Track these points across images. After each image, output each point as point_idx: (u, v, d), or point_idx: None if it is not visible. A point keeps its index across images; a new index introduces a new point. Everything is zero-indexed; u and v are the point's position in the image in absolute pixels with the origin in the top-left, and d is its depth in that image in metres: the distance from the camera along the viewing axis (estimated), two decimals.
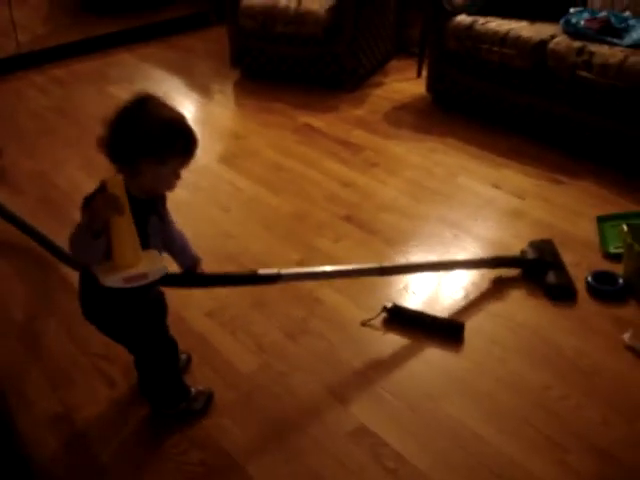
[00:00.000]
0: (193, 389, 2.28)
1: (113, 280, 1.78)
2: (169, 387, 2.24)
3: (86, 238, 1.71)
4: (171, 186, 1.88)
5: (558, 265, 2.87)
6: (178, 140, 1.81)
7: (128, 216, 1.74)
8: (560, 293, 2.76)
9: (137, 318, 2.04)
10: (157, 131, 1.77)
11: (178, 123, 1.83)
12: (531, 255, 2.90)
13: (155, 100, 1.84)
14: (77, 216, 1.80)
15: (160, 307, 2.13)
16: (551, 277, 2.80)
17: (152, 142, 1.77)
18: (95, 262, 1.80)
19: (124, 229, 1.76)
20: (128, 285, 1.80)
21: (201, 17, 6.28)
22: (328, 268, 2.56)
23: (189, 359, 2.45)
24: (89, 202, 1.76)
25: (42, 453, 2.17)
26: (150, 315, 2.09)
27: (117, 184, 1.71)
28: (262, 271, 2.37)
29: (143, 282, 1.83)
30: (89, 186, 1.83)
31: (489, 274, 2.87)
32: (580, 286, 2.80)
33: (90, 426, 2.27)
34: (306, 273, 2.57)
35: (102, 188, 1.73)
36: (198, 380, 2.37)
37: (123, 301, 1.96)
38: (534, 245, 2.97)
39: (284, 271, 2.39)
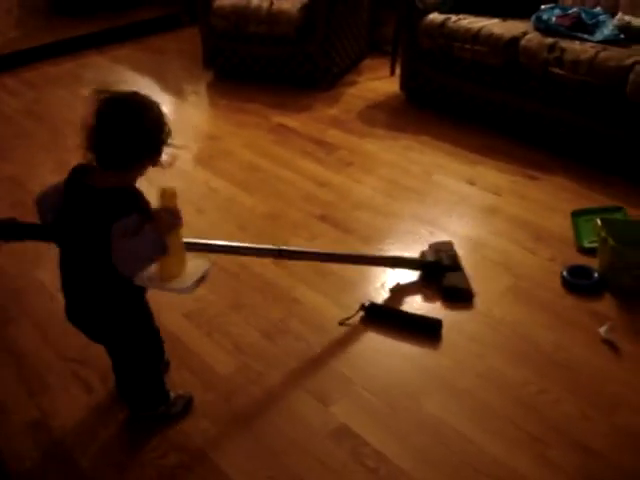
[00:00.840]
0: (172, 393, 2.26)
1: (189, 287, 1.83)
2: (150, 388, 2.22)
3: (159, 252, 1.77)
4: None
5: (456, 267, 2.88)
6: (168, 133, 1.84)
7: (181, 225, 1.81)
8: (456, 295, 2.77)
9: (133, 314, 2.03)
10: (155, 131, 1.80)
11: (162, 115, 1.84)
12: (430, 257, 2.91)
13: (134, 97, 1.83)
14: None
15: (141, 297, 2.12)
16: (448, 279, 2.81)
17: (154, 143, 1.81)
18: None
19: (178, 239, 1.81)
20: (196, 288, 1.86)
21: (173, 18, 6.25)
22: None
23: (167, 363, 2.44)
24: (134, 208, 1.78)
25: (21, 460, 2.14)
26: (144, 310, 2.09)
27: (172, 195, 1.77)
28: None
29: (203, 282, 1.89)
30: None
31: (468, 271, 2.88)
32: (556, 281, 2.82)
33: (68, 432, 2.25)
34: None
35: (139, 202, 1.80)
36: (176, 382, 2.35)
37: (122, 299, 1.96)
38: (433, 247, 2.99)
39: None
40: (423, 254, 2.96)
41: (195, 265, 1.89)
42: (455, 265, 2.88)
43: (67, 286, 1.99)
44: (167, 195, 1.78)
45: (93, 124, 1.76)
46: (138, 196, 1.84)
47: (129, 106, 1.79)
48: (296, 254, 2.74)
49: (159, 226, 1.75)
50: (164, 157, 1.85)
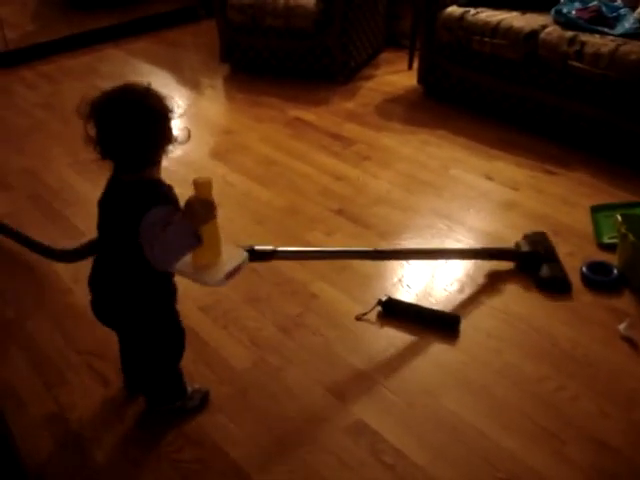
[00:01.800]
0: (189, 388, 2.26)
1: (219, 279, 1.81)
2: (169, 383, 2.21)
3: (192, 243, 1.75)
4: None
5: (552, 258, 2.85)
6: (171, 111, 1.82)
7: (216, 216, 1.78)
8: (554, 286, 2.75)
9: (162, 309, 2.04)
10: (167, 120, 1.78)
11: (167, 101, 1.82)
12: (525, 248, 2.89)
13: (136, 89, 1.81)
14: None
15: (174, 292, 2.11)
16: (545, 270, 2.79)
17: (168, 133, 1.79)
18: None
19: (215, 229, 1.79)
20: (229, 281, 1.83)
21: (190, 11, 6.24)
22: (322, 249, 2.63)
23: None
24: (163, 199, 1.78)
25: (37, 453, 2.15)
26: (173, 306, 2.09)
27: (207, 186, 1.74)
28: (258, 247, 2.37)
29: (237, 274, 1.85)
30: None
31: (484, 266, 2.86)
32: (575, 277, 2.79)
33: (85, 425, 2.25)
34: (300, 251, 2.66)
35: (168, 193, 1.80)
36: (192, 376, 2.34)
37: (154, 293, 1.97)
38: (528, 238, 2.96)
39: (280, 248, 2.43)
40: (518, 245, 2.92)
41: (230, 257, 1.87)
42: (551, 255, 2.86)
43: (97, 280, 1.98)
44: (200, 186, 1.74)
45: (97, 134, 1.76)
46: (166, 187, 1.84)
47: (126, 105, 1.76)
48: (392, 254, 2.83)
49: (192, 217, 1.73)
50: (178, 134, 1.84)
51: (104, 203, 1.88)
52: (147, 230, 1.71)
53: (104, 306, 2.01)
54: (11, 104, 4.73)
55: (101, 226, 1.91)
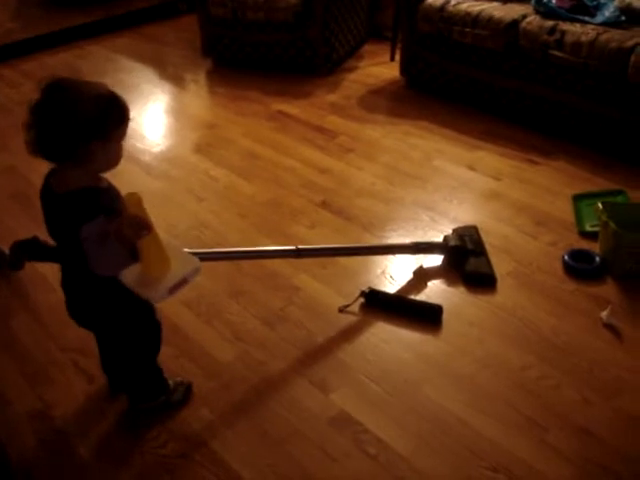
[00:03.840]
0: (171, 381, 2.26)
1: (160, 294, 1.74)
2: (149, 380, 2.21)
3: (125, 262, 1.71)
4: (120, 157, 1.81)
5: (480, 252, 2.86)
6: (114, 111, 1.73)
7: (154, 229, 1.70)
8: (479, 280, 2.76)
9: (131, 308, 1.99)
10: (93, 110, 1.68)
11: (105, 94, 1.73)
12: (453, 242, 2.88)
13: (67, 81, 1.74)
14: None
15: None
16: (471, 264, 2.79)
17: (93, 124, 1.68)
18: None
19: (154, 243, 1.73)
20: (172, 294, 1.76)
21: (171, 6, 6.24)
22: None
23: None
24: (94, 211, 1.70)
25: (22, 450, 2.15)
26: (143, 304, 2.02)
27: (136, 201, 1.66)
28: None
29: (184, 287, 1.78)
30: None
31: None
32: (557, 265, 2.81)
33: (69, 422, 2.25)
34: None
35: (103, 202, 1.73)
36: (176, 371, 2.35)
37: (118, 294, 1.89)
38: (457, 231, 2.97)
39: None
40: (446, 238, 2.92)
41: (181, 266, 1.79)
42: (478, 250, 2.86)
43: (66, 284, 1.98)
44: (131, 202, 1.66)
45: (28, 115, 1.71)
46: (100, 195, 1.77)
47: (58, 90, 1.70)
48: (314, 251, 2.76)
49: (120, 239, 1.67)
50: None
51: (44, 207, 1.83)
52: (85, 245, 1.68)
53: (76, 307, 2.00)
54: None
55: (49, 229, 1.86)
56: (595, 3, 3.65)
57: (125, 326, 2.02)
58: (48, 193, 1.79)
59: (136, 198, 1.66)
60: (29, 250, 2.04)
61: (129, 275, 1.75)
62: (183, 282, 1.77)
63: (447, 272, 2.82)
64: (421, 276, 2.81)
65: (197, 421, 2.21)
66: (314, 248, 2.79)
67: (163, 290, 1.74)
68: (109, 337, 2.10)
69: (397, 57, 4.67)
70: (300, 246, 2.59)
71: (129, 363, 2.17)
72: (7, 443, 2.02)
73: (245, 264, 2.87)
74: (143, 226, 1.65)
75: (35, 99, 1.70)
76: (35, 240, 2.03)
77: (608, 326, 2.50)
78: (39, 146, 1.72)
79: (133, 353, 2.13)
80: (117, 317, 1.98)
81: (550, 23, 3.55)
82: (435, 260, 2.88)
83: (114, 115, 1.72)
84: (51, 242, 1.94)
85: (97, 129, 1.69)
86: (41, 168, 1.86)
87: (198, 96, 4.78)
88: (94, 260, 1.69)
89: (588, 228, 2.99)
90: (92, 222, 1.68)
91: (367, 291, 2.66)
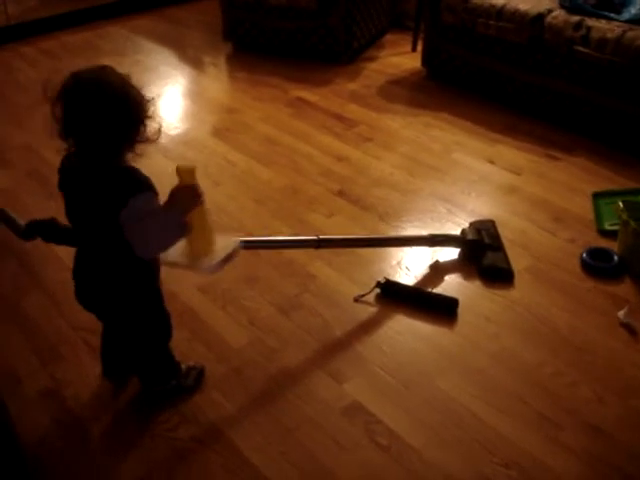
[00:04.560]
0: (184, 365, 2.25)
1: (214, 266, 1.80)
2: (160, 365, 2.20)
3: (177, 233, 1.72)
4: None
5: (497, 246, 2.83)
6: (144, 104, 1.76)
7: (204, 202, 1.73)
8: (496, 275, 2.73)
9: (145, 295, 1.99)
10: (139, 111, 1.72)
11: (130, 87, 1.75)
12: (470, 236, 2.86)
13: (112, 74, 1.77)
14: None
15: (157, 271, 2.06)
16: (488, 258, 2.77)
17: (139, 124, 1.73)
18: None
19: (204, 216, 1.75)
20: (223, 267, 1.81)
21: None
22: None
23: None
24: (145, 186, 1.72)
25: (33, 430, 2.14)
26: (157, 291, 2.05)
27: (191, 172, 1.69)
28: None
29: (231, 261, 1.83)
30: None
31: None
32: (575, 263, 2.78)
33: (80, 402, 2.25)
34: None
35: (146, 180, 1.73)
36: (189, 355, 2.34)
37: (136, 280, 1.93)
38: (474, 225, 2.95)
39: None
40: (464, 232, 2.90)
41: (224, 243, 1.85)
42: (496, 244, 2.84)
43: (80, 270, 1.96)
44: (184, 172, 1.70)
45: (63, 114, 1.74)
46: (141, 173, 1.77)
47: (93, 86, 1.72)
48: (334, 242, 2.75)
49: (176, 206, 1.69)
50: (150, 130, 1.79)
51: (72, 190, 1.82)
52: (129, 221, 1.67)
53: (89, 294, 1.98)
54: (11, 80, 4.70)
55: (73, 213, 1.84)
56: (621, 0, 3.61)
57: (137, 311, 2.01)
58: (87, 169, 1.76)
59: (191, 168, 1.68)
60: (46, 231, 2.03)
61: (175, 254, 1.76)
62: (231, 257, 1.84)
63: (463, 265, 2.80)
64: (437, 268, 2.80)
65: (209, 405, 2.21)
66: (334, 239, 2.77)
67: (215, 262, 1.78)
68: (120, 322, 2.08)
69: (419, 48, 4.63)
70: (321, 236, 2.57)
71: (139, 348, 2.15)
72: (17, 422, 2.01)
73: (261, 251, 2.85)
74: (199, 197, 1.67)
75: (80, 90, 1.74)
76: (53, 222, 2.02)
77: (625, 325, 2.48)
78: (95, 142, 1.71)
79: (144, 338, 2.11)
80: (131, 304, 1.97)
81: (576, 18, 3.51)
82: (451, 253, 2.86)
83: (142, 107, 1.75)
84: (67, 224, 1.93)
85: (143, 118, 1.73)
86: (57, 147, 1.85)
87: (217, 80, 4.76)
88: (138, 236, 1.68)
89: (607, 227, 2.96)
90: (139, 196, 1.68)
91: (383, 282, 2.64)
